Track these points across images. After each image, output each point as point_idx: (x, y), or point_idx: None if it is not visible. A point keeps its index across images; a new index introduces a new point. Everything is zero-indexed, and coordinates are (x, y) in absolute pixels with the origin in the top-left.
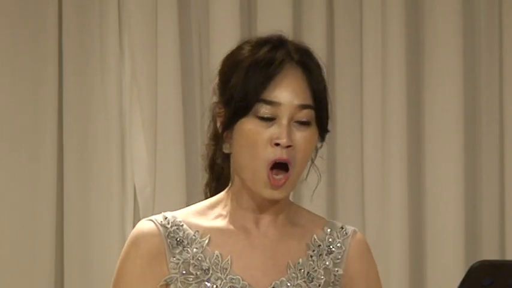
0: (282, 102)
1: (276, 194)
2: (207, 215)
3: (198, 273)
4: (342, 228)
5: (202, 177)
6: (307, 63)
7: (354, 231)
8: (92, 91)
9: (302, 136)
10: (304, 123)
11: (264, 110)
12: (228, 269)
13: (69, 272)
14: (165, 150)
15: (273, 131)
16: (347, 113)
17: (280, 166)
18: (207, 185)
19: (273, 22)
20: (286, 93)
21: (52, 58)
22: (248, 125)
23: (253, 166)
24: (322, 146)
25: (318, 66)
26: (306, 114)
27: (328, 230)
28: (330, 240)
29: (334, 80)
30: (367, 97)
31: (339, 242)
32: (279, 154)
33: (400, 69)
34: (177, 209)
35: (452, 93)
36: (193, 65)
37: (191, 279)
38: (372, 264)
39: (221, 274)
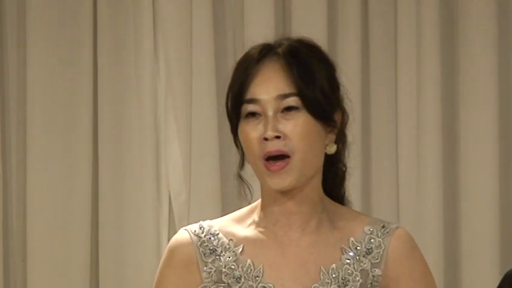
0: (261, 97)
1: (279, 182)
2: (244, 222)
3: (229, 281)
4: (384, 226)
5: (236, 183)
6: (291, 51)
7: (396, 228)
8: (127, 99)
9: (291, 123)
10: (290, 109)
11: (248, 109)
12: (260, 278)
13: (104, 278)
14: (200, 157)
15: (260, 127)
16: (381, 112)
17: (278, 158)
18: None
19: (307, 23)
20: (264, 87)
21: (87, 65)
22: (242, 128)
23: (254, 163)
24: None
25: (306, 51)
26: (289, 102)
27: (369, 230)
28: (371, 240)
29: (369, 80)
30: (401, 95)
31: (378, 241)
32: (270, 147)
33: (435, 66)
34: (212, 215)
35: (487, 90)
36: (228, 73)
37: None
38: (416, 260)
39: (253, 282)
